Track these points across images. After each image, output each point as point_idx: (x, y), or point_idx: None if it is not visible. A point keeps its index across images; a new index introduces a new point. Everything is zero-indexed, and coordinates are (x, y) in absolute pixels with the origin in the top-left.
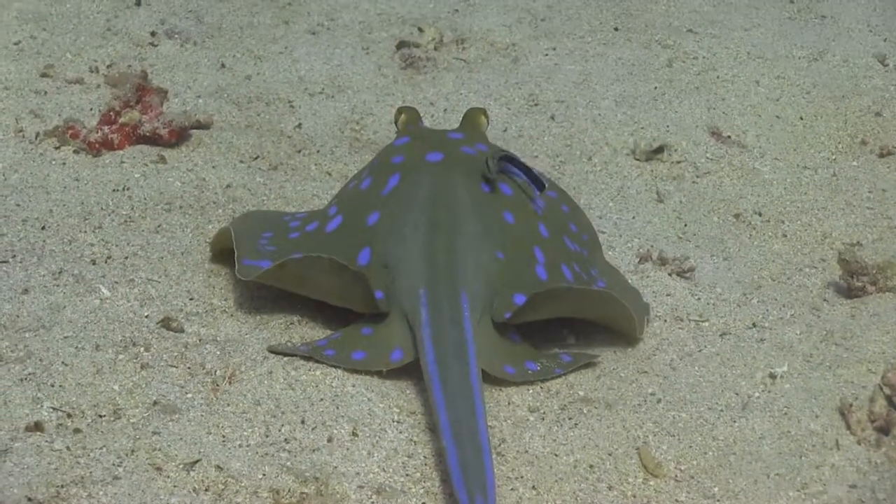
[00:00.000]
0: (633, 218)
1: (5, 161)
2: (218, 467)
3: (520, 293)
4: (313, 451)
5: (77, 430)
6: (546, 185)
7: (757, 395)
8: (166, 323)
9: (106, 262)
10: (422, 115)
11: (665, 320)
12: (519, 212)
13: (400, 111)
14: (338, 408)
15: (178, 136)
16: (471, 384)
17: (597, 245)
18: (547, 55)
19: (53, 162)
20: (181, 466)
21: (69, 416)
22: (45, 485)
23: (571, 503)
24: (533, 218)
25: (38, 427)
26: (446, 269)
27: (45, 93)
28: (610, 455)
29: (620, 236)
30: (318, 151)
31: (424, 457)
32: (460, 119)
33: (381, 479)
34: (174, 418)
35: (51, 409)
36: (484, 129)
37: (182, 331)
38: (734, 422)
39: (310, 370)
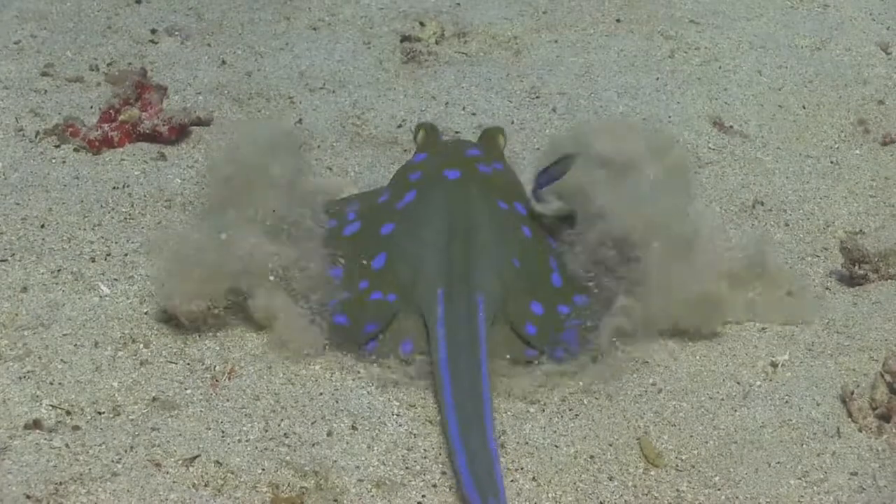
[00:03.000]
0: None
1: (5, 160)
2: (217, 462)
3: (536, 301)
4: (313, 445)
5: (76, 428)
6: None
7: (758, 383)
8: (166, 319)
9: (105, 259)
10: (423, 108)
11: None
12: (534, 227)
13: (419, 127)
14: (337, 402)
15: (179, 133)
16: (481, 387)
17: None
18: (549, 47)
19: (53, 160)
20: (180, 462)
21: (68, 413)
22: (43, 482)
23: (572, 494)
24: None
25: (36, 425)
26: (463, 270)
27: (45, 91)
28: (611, 445)
29: None
30: (318, 147)
31: (424, 450)
32: (461, 112)
33: (380, 472)
34: (173, 414)
35: (50, 407)
36: (501, 148)
37: (181, 327)
38: (735, 411)
39: (309, 365)
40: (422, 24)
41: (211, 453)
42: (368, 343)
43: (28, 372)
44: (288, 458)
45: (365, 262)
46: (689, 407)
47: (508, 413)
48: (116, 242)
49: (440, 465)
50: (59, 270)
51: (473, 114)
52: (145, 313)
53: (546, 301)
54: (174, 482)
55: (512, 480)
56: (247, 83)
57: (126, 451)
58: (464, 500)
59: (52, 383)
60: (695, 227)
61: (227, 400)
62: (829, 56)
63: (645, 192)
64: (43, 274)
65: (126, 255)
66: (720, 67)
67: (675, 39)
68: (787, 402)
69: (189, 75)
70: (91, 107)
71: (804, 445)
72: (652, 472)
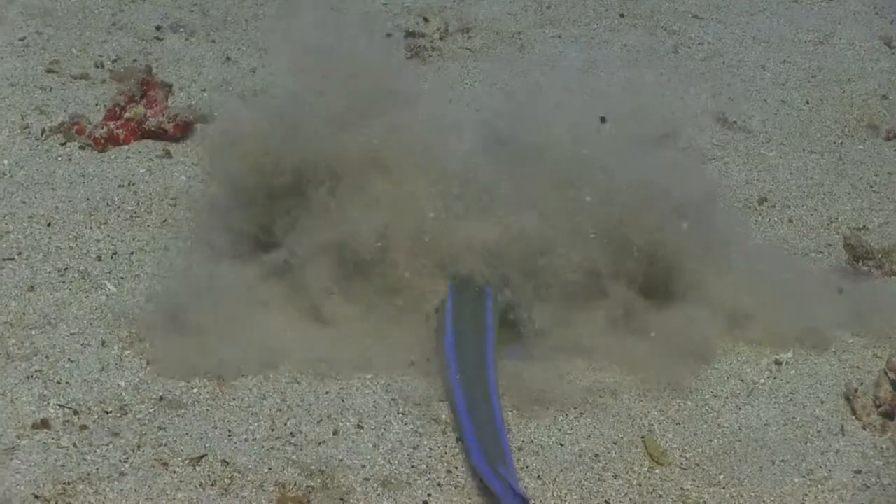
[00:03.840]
0: None
1: (11, 158)
2: (224, 462)
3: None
4: (319, 444)
5: (83, 427)
6: None
7: (762, 381)
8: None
9: (112, 257)
10: None
11: None
12: None
13: None
14: (343, 401)
15: (184, 131)
16: (487, 366)
17: None
18: (552, 43)
19: (59, 158)
20: (187, 461)
21: (75, 412)
22: (51, 482)
23: (577, 493)
24: None
25: (44, 424)
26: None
27: (51, 89)
28: (615, 444)
29: None
30: None
31: (430, 448)
32: (464, 108)
33: (386, 471)
34: (180, 413)
35: (57, 407)
36: None
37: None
38: (739, 409)
39: (314, 364)
40: (426, 19)
41: (218, 452)
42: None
43: (36, 371)
44: (294, 457)
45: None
46: (693, 405)
47: (513, 412)
48: (122, 241)
49: (445, 464)
50: (65, 269)
51: (477, 110)
52: (152, 312)
53: None
54: (181, 481)
55: (517, 479)
56: (251, 80)
57: (133, 451)
58: (473, 470)
59: (59, 382)
60: None
61: (234, 399)
62: (832, 51)
63: None
64: (50, 273)
65: (132, 253)
66: (724, 63)
67: (678, 35)
68: (791, 399)
69: (194, 72)
70: (96, 104)
71: (808, 443)
72: (657, 471)
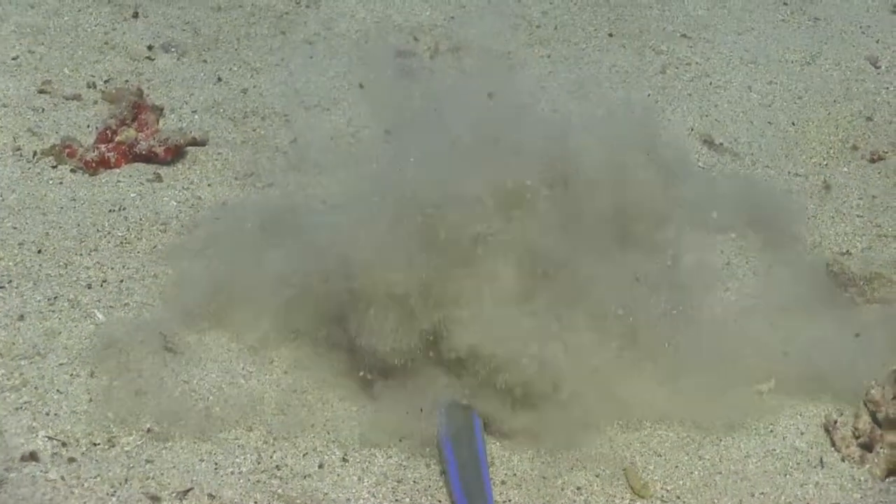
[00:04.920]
0: None
1: (3, 181)
2: (210, 495)
3: None
4: (304, 477)
5: (72, 460)
6: None
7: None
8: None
9: (101, 285)
10: None
11: None
12: None
13: None
14: (328, 433)
15: (174, 154)
16: (472, 425)
17: None
18: (542, 63)
19: (50, 181)
20: (174, 495)
21: (64, 444)
22: None
23: None
24: None
25: (33, 457)
26: None
27: (43, 110)
28: (597, 476)
29: None
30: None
31: (413, 481)
32: None
33: None
34: (167, 446)
35: (46, 438)
36: None
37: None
38: (720, 441)
39: (302, 394)
40: (416, 38)
41: (204, 486)
42: None
43: (25, 402)
44: (280, 490)
45: None
46: (675, 437)
47: (496, 444)
48: (112, 268)
49: (429, 498)
50: (55, 298)
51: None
52: (140, 342)
53: None
54: None
55: None
56: (242, 101)
57: (121, 484)
58: None
59: (48, 414)
60: None
61: (221, 431)
62: (818, 71)
63: None
64: (39, 301)
65: (122, 281)
66: (711, 83)
67: (666, 55)
68: (771, 431)
69: (185, 93)
70: (88, 126)
71: (788, 476)
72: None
